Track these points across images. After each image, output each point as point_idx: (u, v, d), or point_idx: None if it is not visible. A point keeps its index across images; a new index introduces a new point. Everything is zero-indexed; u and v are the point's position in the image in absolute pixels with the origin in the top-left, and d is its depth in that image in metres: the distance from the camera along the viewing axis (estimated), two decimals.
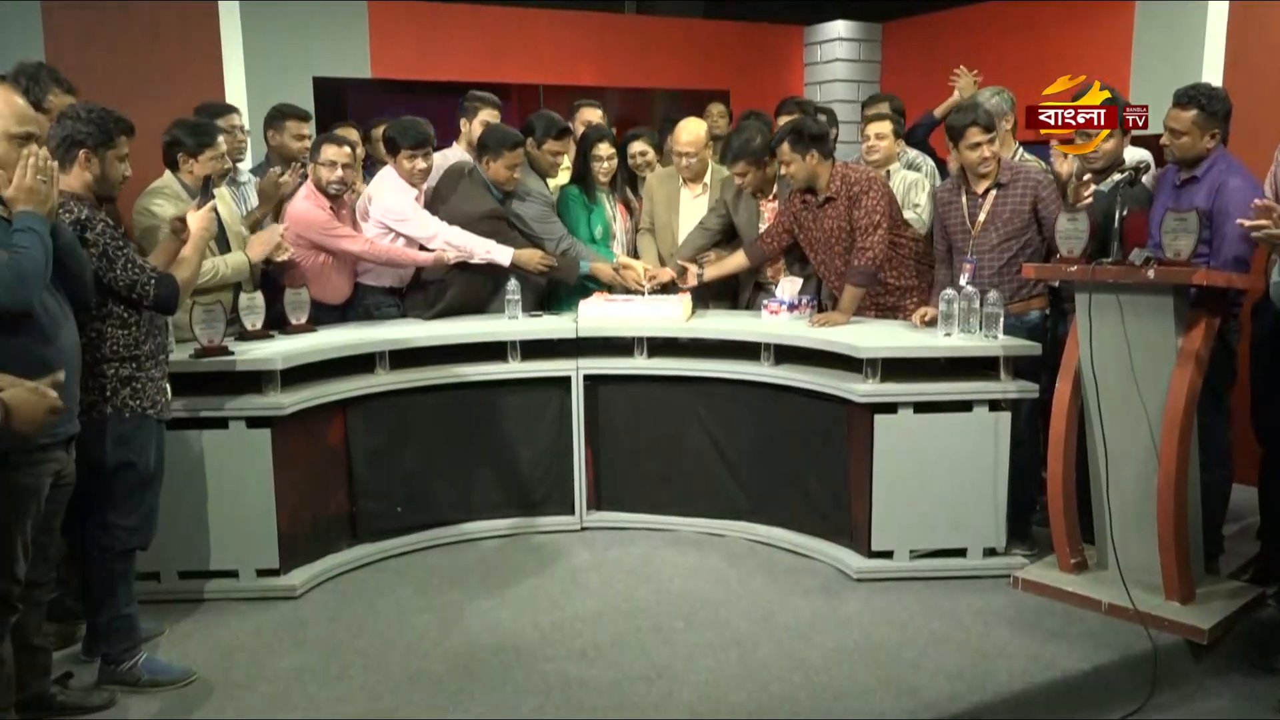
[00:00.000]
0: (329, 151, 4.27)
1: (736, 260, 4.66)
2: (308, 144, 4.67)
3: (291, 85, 5.92)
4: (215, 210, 3.53)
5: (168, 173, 3.89)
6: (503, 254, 4.51)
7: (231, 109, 4.77)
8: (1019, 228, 4.04)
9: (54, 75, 3.70)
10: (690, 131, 4.75)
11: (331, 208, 4.34)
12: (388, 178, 4.50)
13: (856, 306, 4.32)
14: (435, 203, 4.60)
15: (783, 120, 5.20)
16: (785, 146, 4.29)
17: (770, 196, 4.67)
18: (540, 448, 4.46)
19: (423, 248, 4.47)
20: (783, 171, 4.40)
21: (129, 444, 3.07)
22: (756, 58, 7.63)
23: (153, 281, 3.01)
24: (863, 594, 3.83)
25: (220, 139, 3.96)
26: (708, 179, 4.86)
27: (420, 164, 4.46)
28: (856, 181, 4.29)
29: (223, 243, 4.05)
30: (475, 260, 4.50)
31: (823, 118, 5.05)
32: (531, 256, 4.56)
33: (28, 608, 2.78)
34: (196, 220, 3.29)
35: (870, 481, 3.90)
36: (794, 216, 4.47)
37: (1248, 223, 3.19)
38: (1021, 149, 4.54)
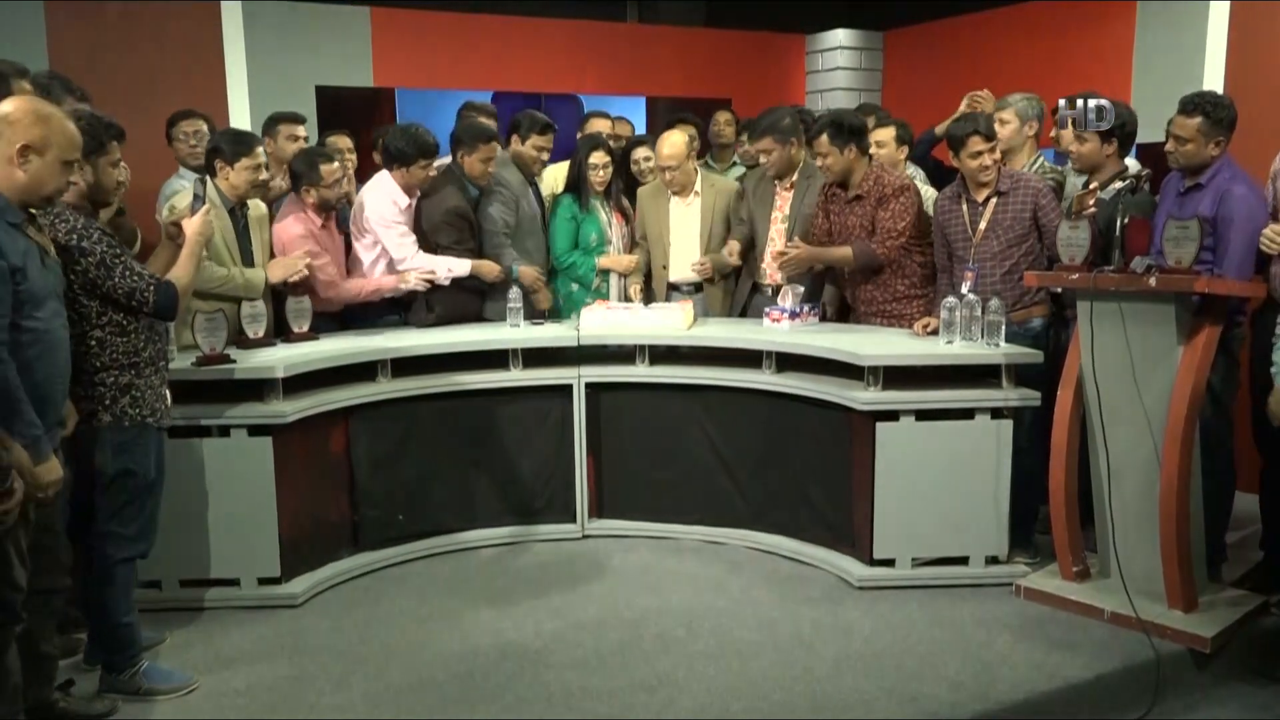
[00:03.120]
0: (328, 170, 4.25)
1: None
2: (304, 143, 4.68)
3: (294, 93, 5.93)
4: (211, 215, 3.52)
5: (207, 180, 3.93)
6: (461, 267, 4.55)
7: (299, 118, 4.79)
8: (1020, 235, 4.04)
9: (65, 84, 3.72)
10: (671, 144, 4.76)
11: (324, 225, 4.35)
12: (380, 188, 4.50)
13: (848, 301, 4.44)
14: (421, 200, 4.64)
15: None
16: (824, 138, 4.27)
17: (787, 185, 4.66)
18: (542, 456, 4.46)
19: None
20: (819, 163, 4.38)
21: (129, 452, 3.06)
22: (758, 66, 7.64)
23: (151, 288, 3.00)
24: (865, 602, 3.82)
25: (260, 150, 3.96)
26: (698, 186, 4.88)
27: (431, 172, 4.57)
28: (889, 184, 4.28)
29: (246, 253, 4.07)
30: (440, 281, 4.53)
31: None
32: (491, 269, 4.59)
33: (41, 615, 2.79)
34: (192, 225, 3.27)
35: (872, 489, 3.90)
36: (825, 204, 4.49)
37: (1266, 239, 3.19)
38: (1044, 157, 4.53)
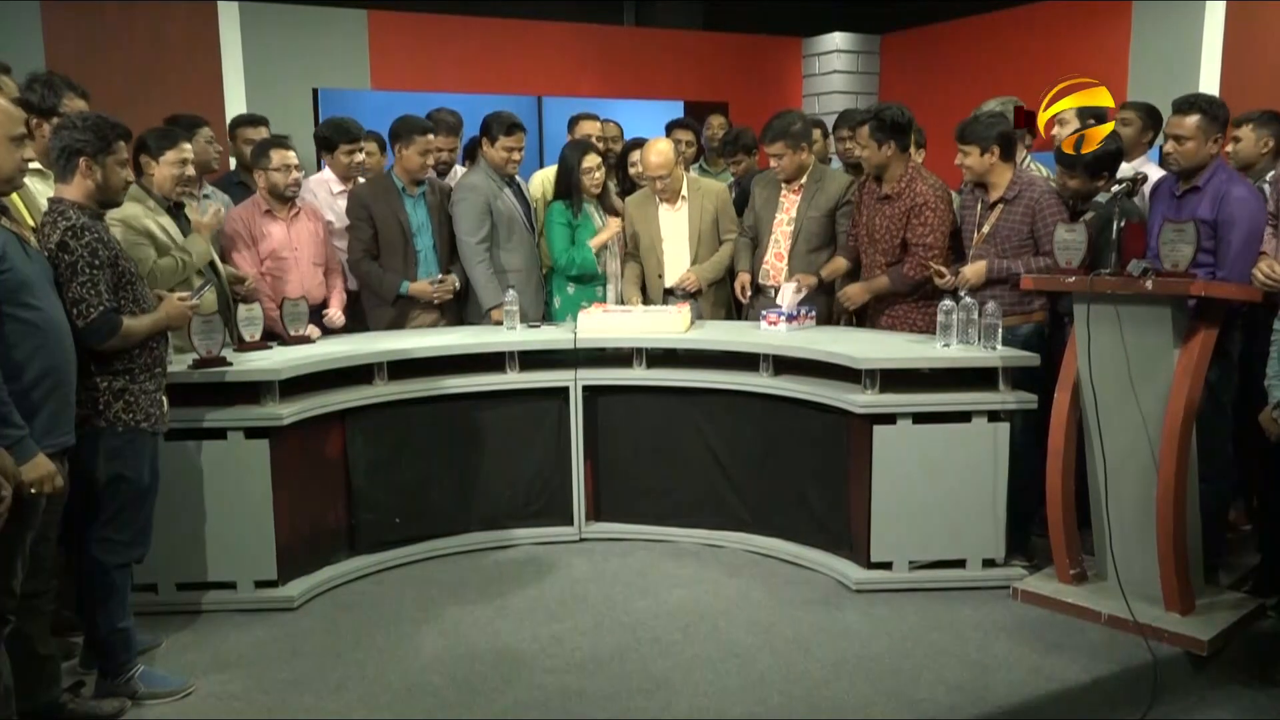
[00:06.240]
0: (278, 156, 4.35)
1: (836, 264, 4.64)
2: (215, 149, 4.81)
3: (292, 97, 5.93)
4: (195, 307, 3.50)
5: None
6: (350, 282, 4.74)
7: (201, 122, 4.81)
8: (1015, 246, 4.03)
9: (66, 81, 3.73)
10: (658, 153, 4.76)
11: (270, 211, 4.41)
12: (317, 176, 4.86)
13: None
14: None
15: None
16: (864, 131, 4.31)
17: (795, 189, 4.67)
18: (539, 459, 4.46)
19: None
20: (857, 154, 4.41)
21: (122, 458, 3.04)
22: (755, 69, 7.66)
23: (96, 310, 2.92)
24: (862, 605, 3.82)
25: (185, 144, 3.87)
26: (684, 191, 4.89)
27: (357, 158, 4.84)
28: (922, 193, 4.25)
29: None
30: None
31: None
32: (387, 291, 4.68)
33: (31, 617, 2.78)
34: (173, 307, 3.24)
35: (869, 492, 3.90)
36: (860, 199, 4.51)
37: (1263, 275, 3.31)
38: (1030, 158, 4.53)
